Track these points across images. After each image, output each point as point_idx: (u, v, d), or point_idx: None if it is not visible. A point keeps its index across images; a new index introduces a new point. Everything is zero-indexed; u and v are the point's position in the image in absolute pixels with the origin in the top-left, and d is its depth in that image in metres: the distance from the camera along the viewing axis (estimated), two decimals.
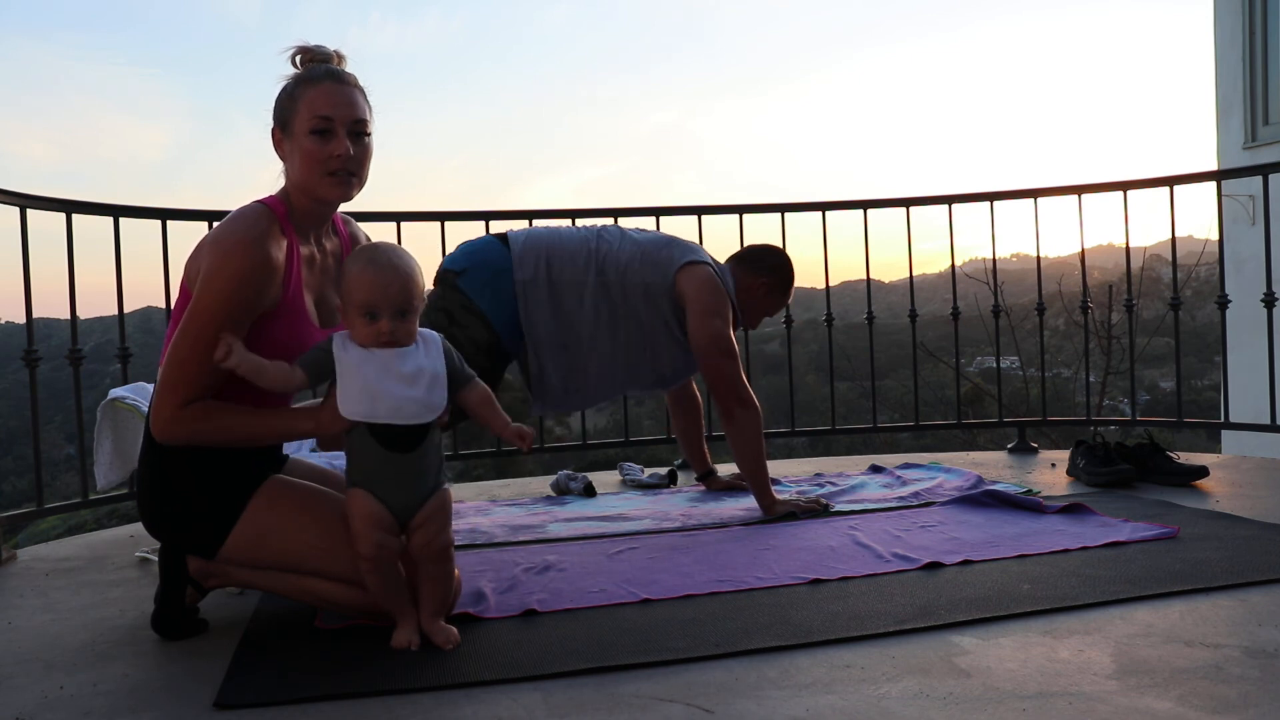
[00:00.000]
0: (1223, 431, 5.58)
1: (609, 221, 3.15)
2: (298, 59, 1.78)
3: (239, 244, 1.65)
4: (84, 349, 2.80)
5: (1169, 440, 3.33)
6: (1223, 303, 3.50)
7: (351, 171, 1.74)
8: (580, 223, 3.17)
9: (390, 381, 1.60)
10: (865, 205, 3.89)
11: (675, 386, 3.01)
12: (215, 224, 1.91)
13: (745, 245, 3.09)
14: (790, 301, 3.16)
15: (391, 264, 1.63)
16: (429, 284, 2.19)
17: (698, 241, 3.67)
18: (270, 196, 1.77)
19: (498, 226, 3.44)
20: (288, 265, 1.73)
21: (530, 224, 3.23)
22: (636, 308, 2.73)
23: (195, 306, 1.65)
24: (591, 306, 2.71)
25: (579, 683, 1.44)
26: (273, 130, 1.78)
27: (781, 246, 3.06)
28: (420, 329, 1.69)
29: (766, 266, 2.95)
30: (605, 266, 2.73)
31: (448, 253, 2.80)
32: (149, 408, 1.72)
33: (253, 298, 1.66)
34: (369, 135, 1.77)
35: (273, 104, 1.78)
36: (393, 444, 1.61)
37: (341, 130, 1.72)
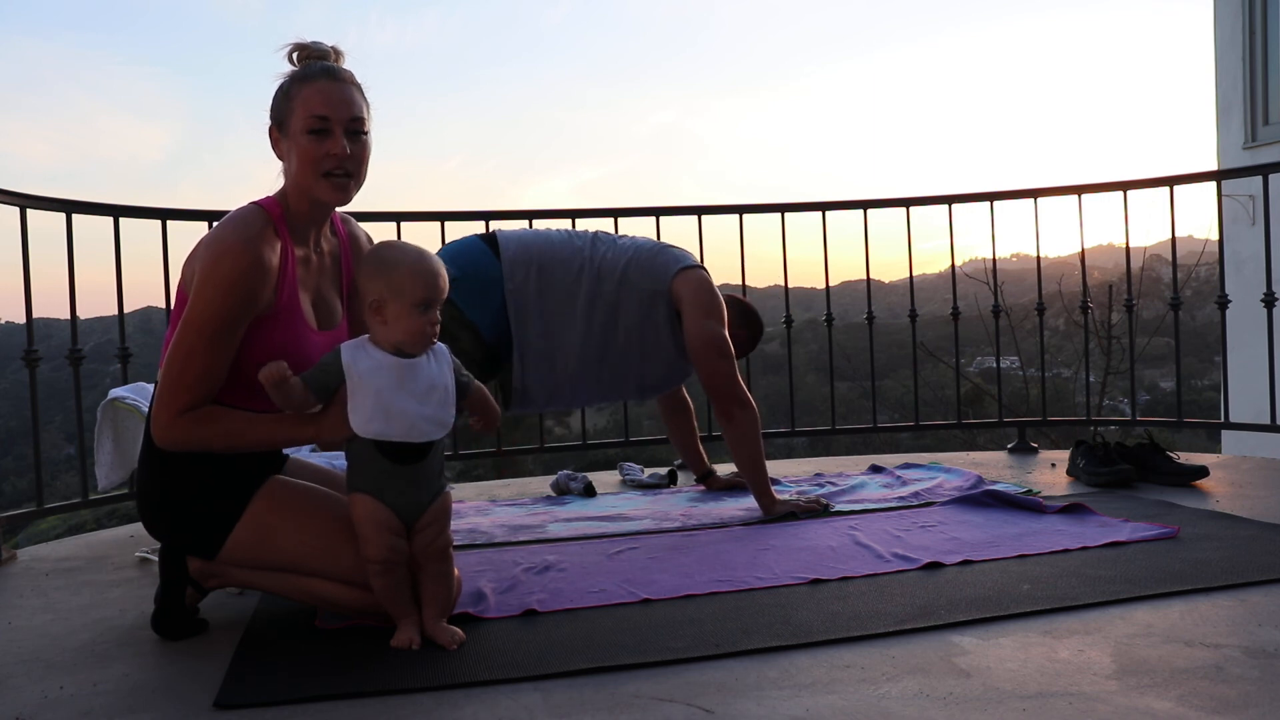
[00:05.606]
0: (1223, 431, 5.57)
1: (608, 222, 3.14)
2: (294, 56, 1.76)
3: (230, 247, 1.64)
4: (84, 349, 2.80)
5: (1169, 440, 3.32)
6: (1223, 303, 3.51)
7: (349, 172, 1.72)
8: (580, 223, 3.16)
9: (404, 398, 1.59)
10: (865, 205, 3.89)
11: (655, 397, 3.00)
12: (214, 224, 1.91)
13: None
14: (789, 302, 3.17)
15: (432, 257, 1.66)
16: None
17: (698, 242, 3.68)
18: (267, 197, 1.76)
19: (498, 227, 3.42)
20: (282, 267, 1.71)
21: (530, 224, 3.23)
22: (631, 314, 2.71)
23: (189, 313, 1.63)
24: (583, 315, 2.68)
25: (579, 683, 1.44)
26: (270, 129, 1.77)
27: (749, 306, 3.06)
28: None
29: (749, 321, 3.00)
30: (602, 274, 2.71)
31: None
32: (149, 414, 1.71)
33: (246, 301, 1.64)
34: (366, 133, 1.75)
35: (270, 102, 1.77)
36: (400, 458, 1.61)
37: (338, 130, 1.70)
